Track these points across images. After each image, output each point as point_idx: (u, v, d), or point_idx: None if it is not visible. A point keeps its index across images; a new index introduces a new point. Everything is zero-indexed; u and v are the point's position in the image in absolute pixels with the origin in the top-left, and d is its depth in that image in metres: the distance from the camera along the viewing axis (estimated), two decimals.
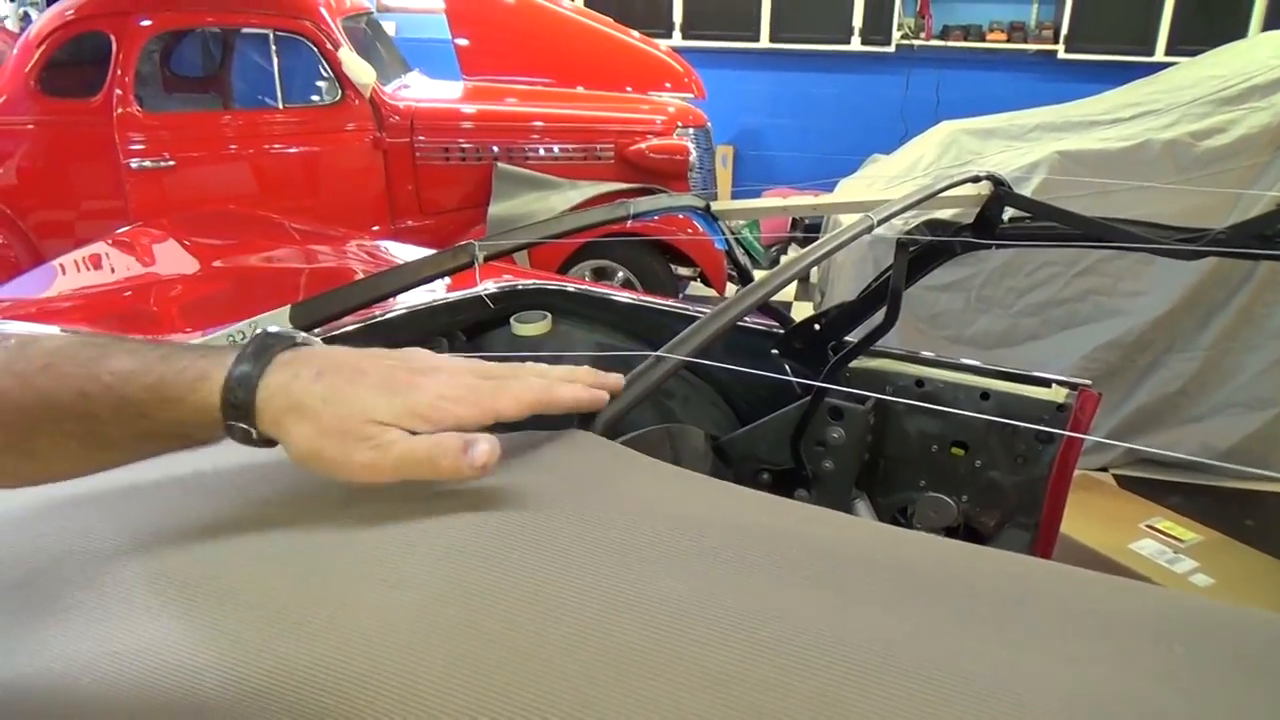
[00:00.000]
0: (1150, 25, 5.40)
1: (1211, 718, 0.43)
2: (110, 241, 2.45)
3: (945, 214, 1.75)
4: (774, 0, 5.75)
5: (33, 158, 3.95)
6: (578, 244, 3.92)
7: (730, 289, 4.19)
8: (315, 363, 0.55)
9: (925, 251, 1.67)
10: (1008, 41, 5.65)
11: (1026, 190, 3.34)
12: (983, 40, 5.68)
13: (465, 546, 0.52)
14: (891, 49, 5.71)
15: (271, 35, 3.92)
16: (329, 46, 3.87)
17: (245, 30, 4.22)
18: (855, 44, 5.73)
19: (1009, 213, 1.65)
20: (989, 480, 1.63)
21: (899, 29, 5.68)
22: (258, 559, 0.54)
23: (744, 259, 4.96)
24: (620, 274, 4.15)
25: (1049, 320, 3.43)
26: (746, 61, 6.03)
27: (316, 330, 0.98)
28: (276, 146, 4.05)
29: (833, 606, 0.49)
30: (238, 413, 0.54)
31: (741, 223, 5.92)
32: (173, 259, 2.53)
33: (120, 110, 3.79)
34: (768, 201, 2.59)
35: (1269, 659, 0.47)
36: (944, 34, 5.73)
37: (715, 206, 1.84)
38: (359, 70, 3.84)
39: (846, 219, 3.19)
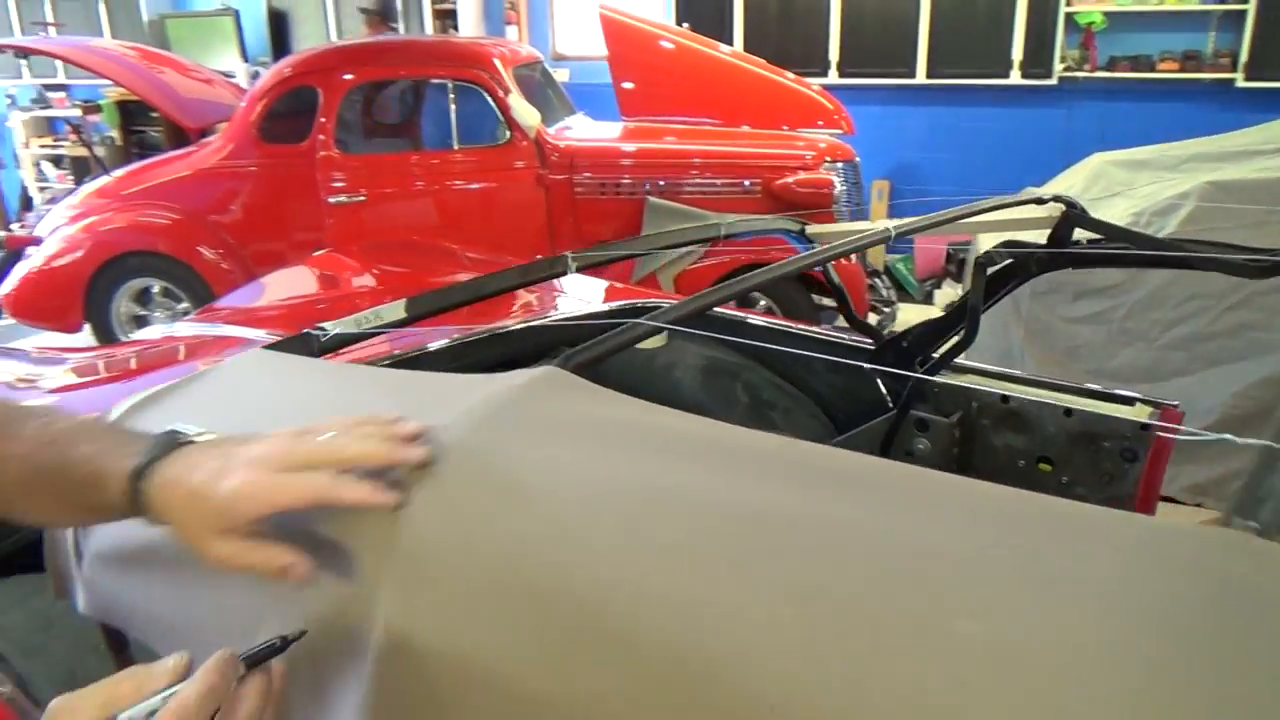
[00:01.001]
0: None
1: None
2: (307, 264, 2.88)
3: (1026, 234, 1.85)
4: (931, 36, 5.80)
5: (252, 196, 4.57)
6: (723, 272, 4.14)
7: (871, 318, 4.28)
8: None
9: (1003, 272, 1.78)
10: (1180, 71, 5.46)
11: (1174, 221, 3.30)
12: (1152, 70, 5.50)
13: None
14: (1053, 81, 5.63)
15: (450, 85, 4.39)
16: (500, 93, 4.28)
17: (432, 81, 4.72)
18: (1015, 77, 5.69)
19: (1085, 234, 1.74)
20: (1075, 497, 1.70)
21: (1061, 61, 5.59)
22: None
23: (888, 291, 5.06)
24: (763, 302, 4.33)
25: (1196, 355, 3.33)
26: (903, 97, 6.09)
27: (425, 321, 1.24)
28: (454, 183, 4.51)
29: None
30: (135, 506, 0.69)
31: (896, 256, 5.97)
32: (357, 279, 2.93)
33: (323, 153, 4.34)
34: (862, 225, 2.69)
35: None
36: (1110, 65, 5.59)
37: (810, 229, 2.00)
38: (525, 113, 4.24)
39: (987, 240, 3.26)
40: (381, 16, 6.15)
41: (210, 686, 0.54)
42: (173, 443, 0.69)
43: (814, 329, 2.08)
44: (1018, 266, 1.77)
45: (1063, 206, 1.72)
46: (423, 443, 0.68)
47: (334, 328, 1.17)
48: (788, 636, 0.54)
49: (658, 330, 1.00)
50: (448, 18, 7.23)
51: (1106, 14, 5.50)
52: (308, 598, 0.65)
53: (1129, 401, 1.67)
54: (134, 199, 4.64)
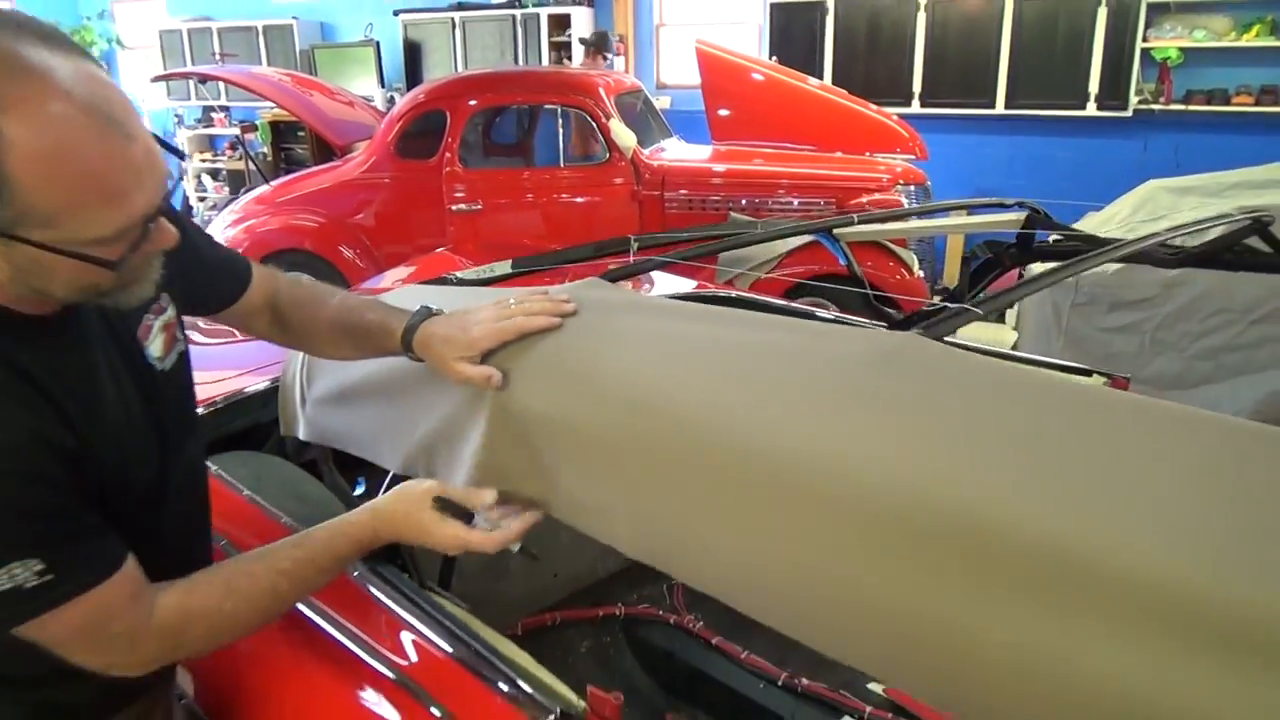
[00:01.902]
0: None
1: None
2: (425, 259, 3.49)
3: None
4: (1010, 68, 6.13)
5: (386, 204, 5.27)
6: (791, 283, 4.57)
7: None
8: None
9: (981, 266, 2.22)
10: (1255, 105, 5.65)
11: (1198, 241, 3.61)
12: (1227, 104, 5.70)
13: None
14: (1128, 113, 5.89)
15: (559, 110, 5.00)
16: (602, 118, 4.87)
17: (544, 106, 5.35)
18: (1091, 109, 5.96)
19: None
20: None
21: (1137, 94, 5.84)
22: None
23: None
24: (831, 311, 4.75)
25: (1223, 365, 3.62)
26: (982, 126, 6.43)
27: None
28: (560, 196, 5.11)
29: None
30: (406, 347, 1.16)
31: None
32: (470, 296, 3.54)
33: (448, 168, 5.01)
34: (892, 225, 3.08)
35: None
36: (1186, 98, 5.82)
37: (838, 230, 2.46)
38: (623, 136, 4.80)
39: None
40: (598, 48, 6.70)
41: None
42: (428, 313, 1.17)
43: (830, 314, 2.54)
44: (994, 262, 2.21)
45: (1027, 211, 2.15)
46: (567, 303, 1.18)
47: (461, 275, 1.72)
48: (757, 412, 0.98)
49: (666, 263, 1.51)
50: (562, 49, 7.91)
51: (1183, 49, 5.74)
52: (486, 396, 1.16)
53: (1087, 373, 2.08)
54: (287, 205, 5.40)
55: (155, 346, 1.06)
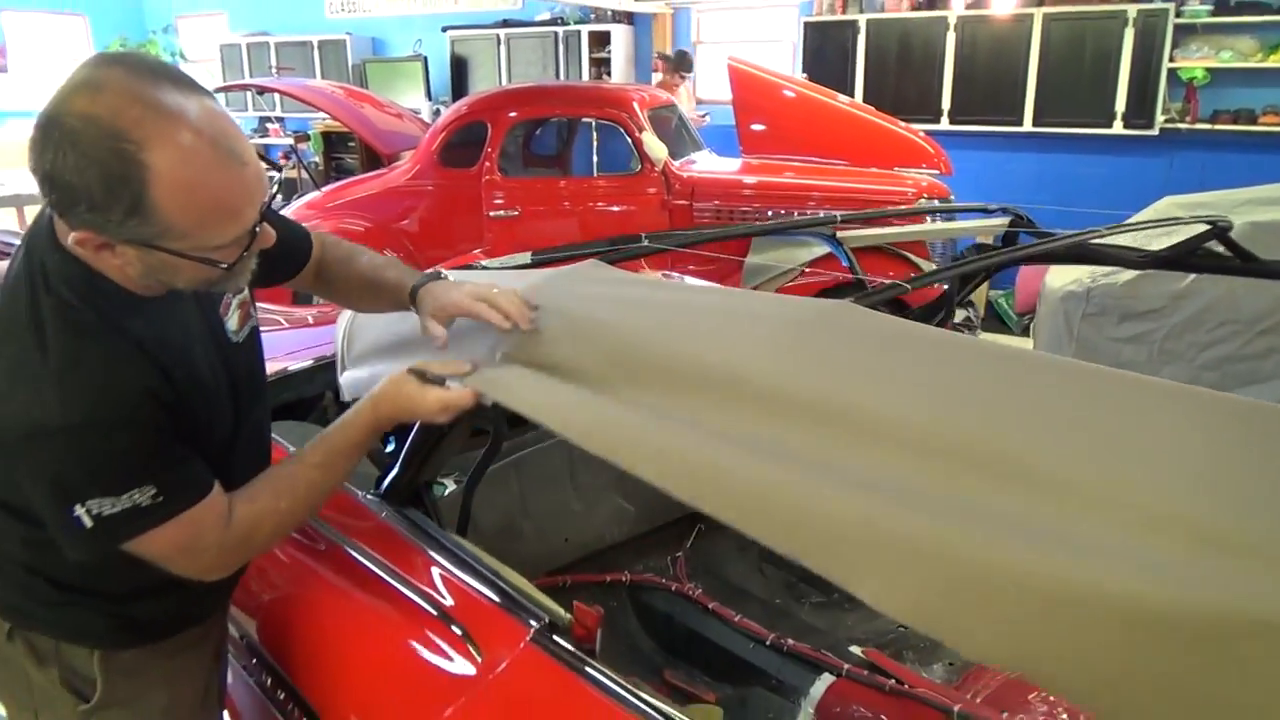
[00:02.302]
0: None
1: None
2: (458, 259, 3.72)
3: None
4: (1038, 86, 6.25)
5: (429, 210, 5.53)
6: (819, 289, 4.73)
7: None
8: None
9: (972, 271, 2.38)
10: None
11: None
12: (1254, 124, 5.78)
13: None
14: (1155, 132, 5.98)
15: (594, 123, 5.23)
16: (635, 131, 5.09)
17: (581, 119, 5.59)
18: (1117, 127, 6.06)
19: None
20: None
21: (1163, 113, 5.93)
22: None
23: (977, 318, 5.58)
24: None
25: (1229, 374, 3.72)
26: (1010, 143, 6.55)
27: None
28: (594, 204, 5.33)
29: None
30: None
31: (999, 292, 6.39)
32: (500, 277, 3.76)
33: (487, 177, 5.26)
34: (893, 229, 3.23)
35: None
36: (1212, 118, 5.90)
37: (841, 233, 2.64)
38: (655, 148, 5.02)
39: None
40: (678, 66, 6.91)
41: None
42: (435, 276, 1.40)
43: None
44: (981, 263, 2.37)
45: (1010, 216, 2.31)
46: (533, 312, 1.34)
47: (486, 264, 1.93)
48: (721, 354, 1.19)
49: (661, 250, 1.70)
50: (602, 65, 8.18)
51: (1209, 70, 5.83)
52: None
53: None
54: (336, 210, 5.69)
55: (232, 321, 1.29)
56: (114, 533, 1.06)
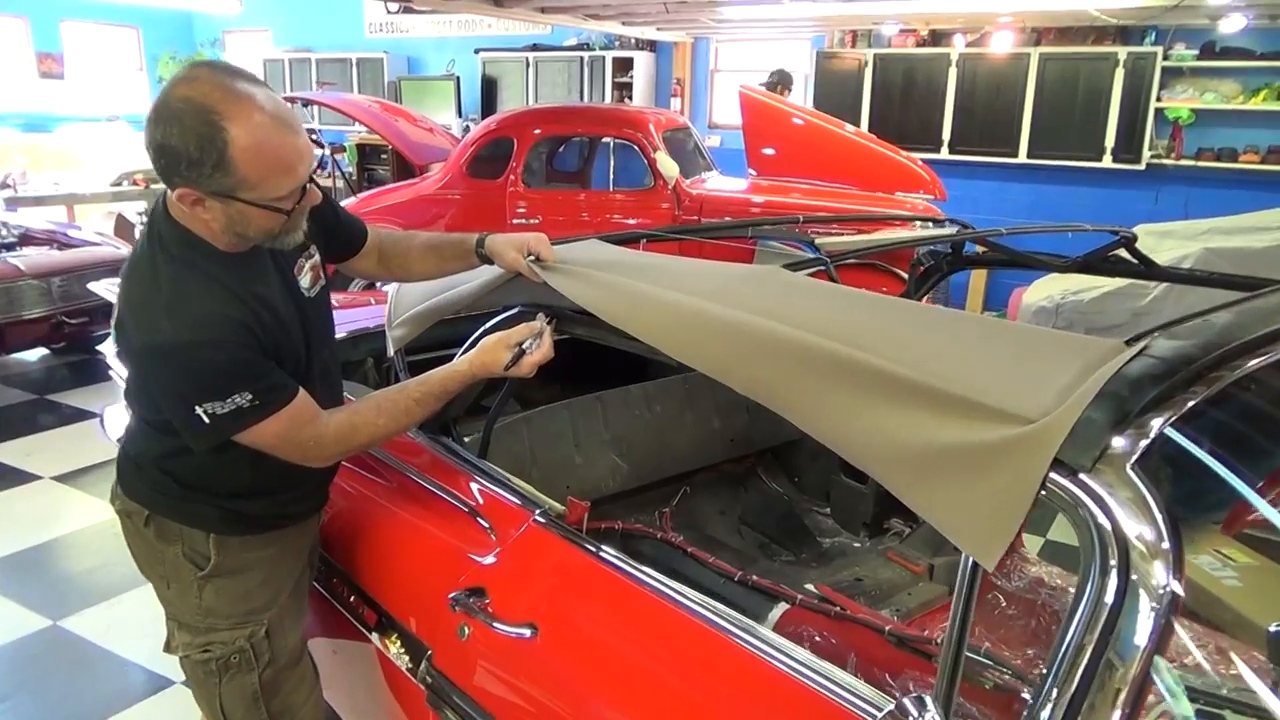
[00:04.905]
0: None
1: None
2: None
3: None
4: (1033, 121, 6.62)
5: (456, 218, 5.95)
6: None
7: None
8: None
9: (926, 271, 2.75)
10: (1262, 164, 6.05)
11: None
12: (1235, 161, 6.11)
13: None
14: (1142, 167, 6.33)
15: (612, 142, 5.65)
16: (649, 151, 5.50)
17: (601, 138, 6.01)
18: (1107, 161, 6.42)
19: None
20: None
21: (1150, 149, 6.28)
22: None
23: None
24: None
25: None
26: (1006, 174, 6.92)
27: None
28: (611, 217, 5.73)
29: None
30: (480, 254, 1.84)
31: (993, 312, 6.73)
32: None
33: (511, 188, 5.67)
34: (871, 239, 3.59)
35: None
36: (1197, 154, 6.24)
37: (819, 241, 3.00)
38: (668, 167, 5.42)
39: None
40: (781, 84, 7.30)
41: (547, 331, 1.67)
42: (489, 232, 1.79)
43: None
44: (935, 268, 2.74)
45: (958, 226, 2.67)
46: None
47: None
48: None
49: (662, 238, 2.08)
50: (625, 89, 8.61)
51: (1194, 110, 6.18)
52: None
53: None
54: (370, 215, 6.11)
55: (305, 280, 1.65)
56: (227, 427, 1.42)
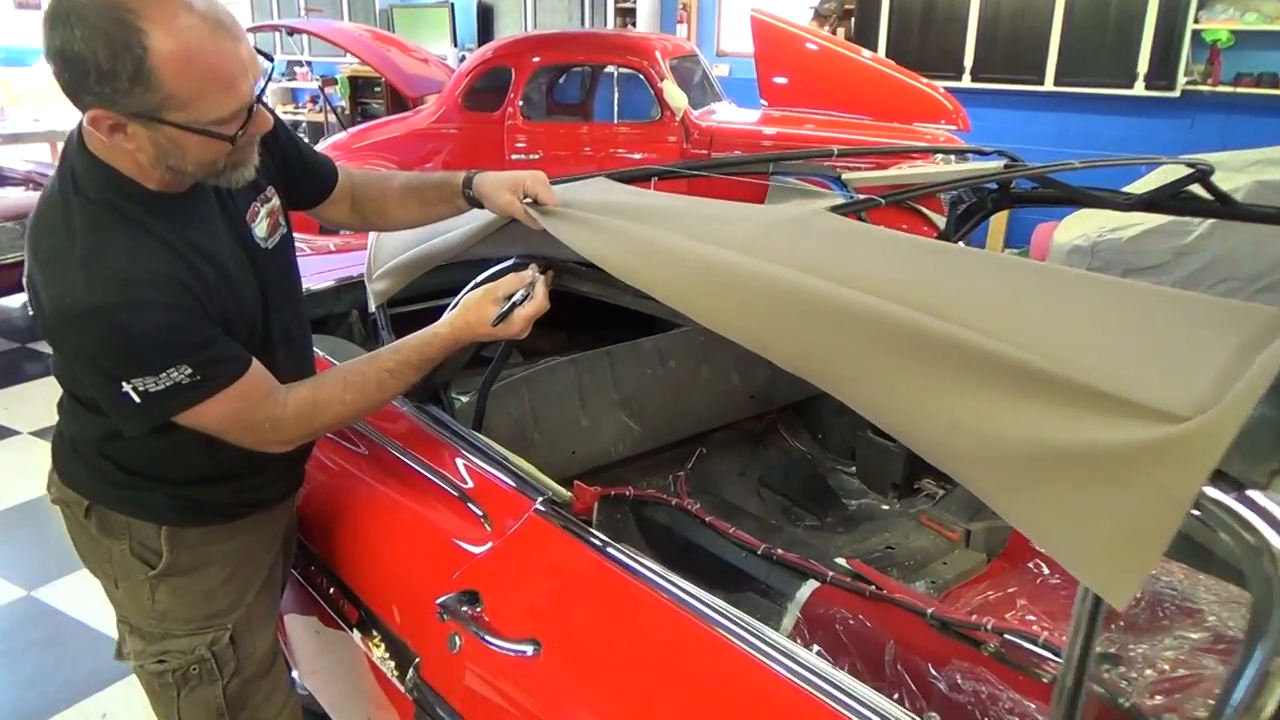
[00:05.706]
0: None
1: None
2: None
3: None
4: (1061, 46, 6.24)
5: (452, 154, 5.65)
6: None
7: None
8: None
9: (968, 209, 2.48)
10: None
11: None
12: (1275, 87, 5.75)
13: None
14: (1176, 94, 5.97)
15: (616, 71, 5.31)
16: (656, 80, 5.16)
17: (604, 67, 5.66)
18: (1139, 88, 6.05)
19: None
20: None
21: (1185, 75, 5.92)
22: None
23: None
24: None
25: None
26: (1032, 102, 6.56)
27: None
28: (615, 151, 5.42)
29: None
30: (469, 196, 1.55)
31: (1014, 250, 6.44)
32: None
33: (510, 121, 5.35)
34: (904, 173, 3.31)
35: None
36: (1235, 80, 5.88)
37: (846, 176, 2.73)
38: (675, 97, 5.09)
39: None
40: (840, 18, 6.75)
41: (540, 280, 1.39)
42: (478, 171, 1.50)
43: None
44: (978, 205, 2.47)
45: (1005, 159, 2.39)
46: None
47: None
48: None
49: (672, 174, 1.82)
50: (628, 15, 8.19)
51: (1233, 32, 5.80)
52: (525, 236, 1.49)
53: None
54: (362, 151, 5.81)
55: (261, 228, 1.38)
56: (161, 408, 1.18)
